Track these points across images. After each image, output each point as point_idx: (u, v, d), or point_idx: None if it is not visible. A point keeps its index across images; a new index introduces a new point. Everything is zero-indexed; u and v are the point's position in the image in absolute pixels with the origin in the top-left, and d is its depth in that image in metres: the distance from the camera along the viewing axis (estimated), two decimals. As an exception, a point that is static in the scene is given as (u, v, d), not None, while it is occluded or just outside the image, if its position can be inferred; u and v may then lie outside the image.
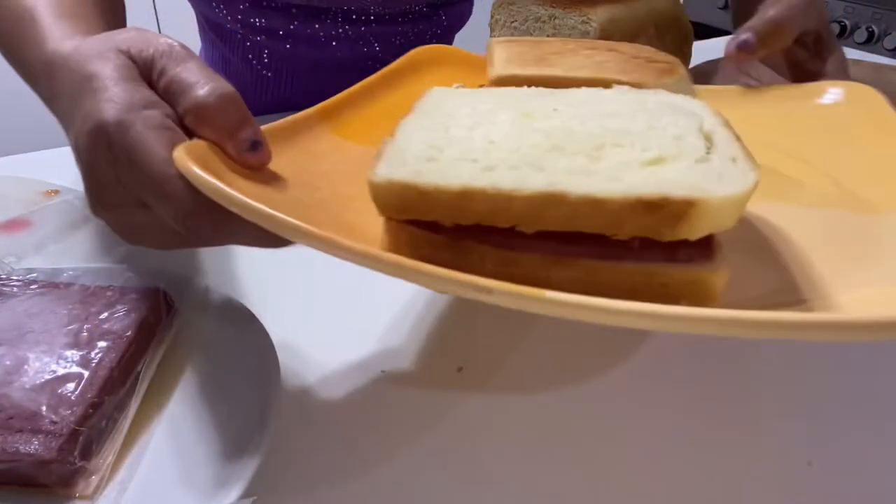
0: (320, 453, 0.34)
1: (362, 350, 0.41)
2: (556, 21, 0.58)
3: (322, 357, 0.40)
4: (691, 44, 0.66)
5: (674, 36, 0.63)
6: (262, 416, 0.32)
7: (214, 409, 0.34)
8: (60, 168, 0.62)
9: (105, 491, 0.31)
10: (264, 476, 0.30)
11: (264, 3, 0.68)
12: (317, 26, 0.69)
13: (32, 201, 0.54)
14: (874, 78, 0.85)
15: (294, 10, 0.68)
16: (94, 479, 0.31)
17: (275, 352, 0.35)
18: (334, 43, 0.71)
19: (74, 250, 0.49)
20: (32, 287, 0.38)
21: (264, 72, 0.73)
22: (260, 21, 0.69)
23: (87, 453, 0.31)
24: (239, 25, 0.70)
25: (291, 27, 0.69)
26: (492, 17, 0.63)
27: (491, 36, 0.63)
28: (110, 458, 0.32)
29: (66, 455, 0.30)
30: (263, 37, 0.70)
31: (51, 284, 0.38)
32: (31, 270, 0.40)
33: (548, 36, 0.59)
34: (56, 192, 0.55)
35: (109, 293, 0.38)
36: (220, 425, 0.33)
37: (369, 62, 0.74)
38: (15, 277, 0.39)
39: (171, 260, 0.49)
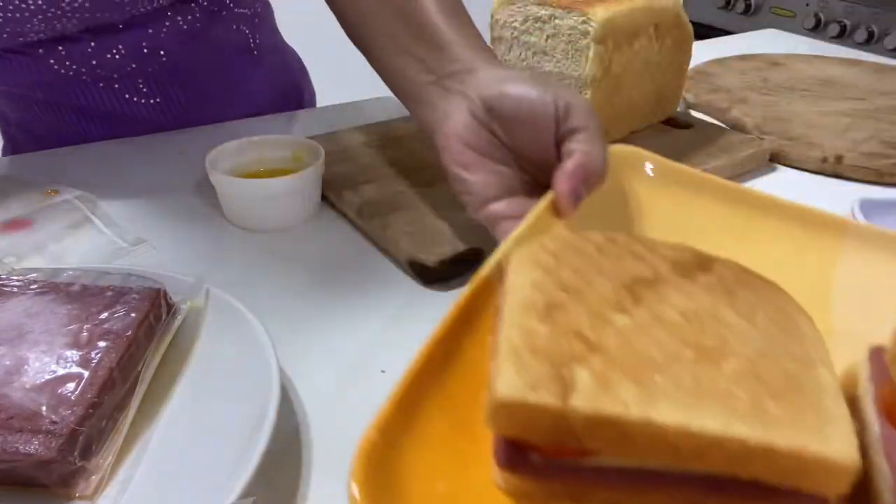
0: (320, 453, 0.34)
1: (362, 350, 0.41)
2: (556, 21, 0.58)
3: (322, 357, 0.40)
4: (691, 43, 0.66)
5: (674, 36, 0.63)
6: (261, 417, 0.32)
7: (214, 410, 0.34)
8: (60, 168, 0.62)
9: (105, 491, 0.31)
10: (264, 476, 0.30)
11: (119, 26, 0.61)
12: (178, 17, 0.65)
13: (32, 201, 0.54)
14: (875, 78, 0.85)
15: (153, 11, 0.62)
16: (94, 479, 0.31)
17: (274, 352, 0.35)
18: (211, 32, 0.67)
19: (74, 250, 0.49)
20: (32, 287, 0.38)
21: (152, 101, 0.67)
22: (114, 52, 0.63)
23: (87, 453, 0.31)
24: (100, 70, 0.63)
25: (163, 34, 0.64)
26: (492, 17, 0.63)
27: (490, 36, 0.63)
28: (110, 458, 0.32)
29: (66, 455, 0.30)
30: (133, 65, 0.64)
31: (51, 284, 0.38)
32: (31, 270, 0.40)
33: (547, 37, 0.59)
34: (56, 191, 0.55)
35: (109, 293, 0.38)
36: (220, 425, 0.33)
37: (248, 41, 0.71)
38: (15, 277, 0.39)
39: (171, 261, 0.49)
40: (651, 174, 0.43)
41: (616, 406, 0.24)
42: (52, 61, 0.62)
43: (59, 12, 0.56)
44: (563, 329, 0.26)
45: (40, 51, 0.61)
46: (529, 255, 0.31)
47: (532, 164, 0.43)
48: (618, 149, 0.43)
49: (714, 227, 0.39)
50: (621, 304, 0.28)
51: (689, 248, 0.32)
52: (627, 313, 0.27)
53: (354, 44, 0.52)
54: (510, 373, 0.25)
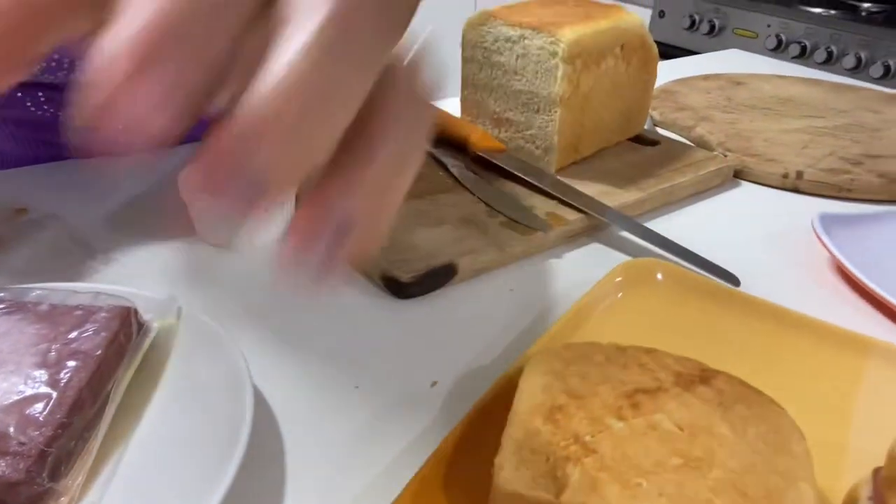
0: (294, 470, 0.34)
1: (336, 367, 0.41)
2: (526, 41, 0.59)
3: (295, 374, 0.40)
4: (657, 63, 0.67)
5: (640, 56, 0.65)
6: (234, 435, 0.31)
7: (186, 429, 0.34)
8: (28, 186, 0.61)
9: (74, 512, 0.30)
10: (238, 494, 0.30)
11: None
12: None
13: (0, 220, 0.53)
14: (833, 97, 0.88)
15: None
16: (64, 500, 0.30)
17: (247, 370, 0.35)
18: None
19: (42, 269, 0.48)
20: (-1, 307, 0.37)
21: None
22: None
23: (56, 474, 0.31)
24: None
25: None
26: (463, 37, 0.64)
27: (462, 56, 0.64)
28: (80, 480, 0.31)
29: (34, 476, 0.29)
30: None
31: (18, 304, 0.38)
32: (-2, 290, 0.39)
33: (517, 57, 0.60)
34: (24, 209, 0.54)
35: (79, 312, 0.37)
36: (193, 444, 0.33)
37: None
38: (-19, 297, 0.38)
39: (142, 279, 0.48)
40: (672, 285, 0.44)
41: None
42: (28, 103, 0.61)
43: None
44: (563, 431, 0.29)
45: (18, 94, 0.60)
46: (545, 360, 0.34)
47: None
48: (641, 262, 0.45)
49: (739, 343, 0.41)
50: (620, 411, 0.30)
51: (695, 361, 0.34)
52: (625, 420, 0.30)
53: None
54: (511, 468, 0.28)
